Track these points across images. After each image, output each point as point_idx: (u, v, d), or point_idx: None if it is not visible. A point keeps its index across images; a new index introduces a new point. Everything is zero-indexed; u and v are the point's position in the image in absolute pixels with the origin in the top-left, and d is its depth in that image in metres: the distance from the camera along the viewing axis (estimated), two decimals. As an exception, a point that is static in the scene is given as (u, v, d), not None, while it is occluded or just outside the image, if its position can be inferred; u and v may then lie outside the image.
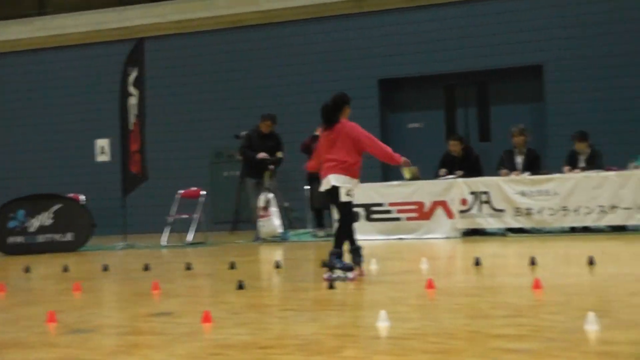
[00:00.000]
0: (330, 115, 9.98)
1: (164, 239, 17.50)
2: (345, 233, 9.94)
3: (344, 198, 9.84)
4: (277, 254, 14.49)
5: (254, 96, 21.43)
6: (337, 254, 9.80)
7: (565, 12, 19.41)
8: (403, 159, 10.09)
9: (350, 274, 9.67)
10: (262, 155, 17.03)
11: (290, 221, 18.21)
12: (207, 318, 6.82)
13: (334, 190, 9.85)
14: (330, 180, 9.84)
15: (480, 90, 20.73)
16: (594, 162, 15.46)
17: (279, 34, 21.68)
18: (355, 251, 10.13)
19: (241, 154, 17.73)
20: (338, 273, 9.67)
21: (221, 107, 21.86)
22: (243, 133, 18.25)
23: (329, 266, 9.81)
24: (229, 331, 6.47)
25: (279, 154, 17.36)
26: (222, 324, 6.81)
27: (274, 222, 16.65)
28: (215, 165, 22.00)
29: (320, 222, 17.52)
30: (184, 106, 22.18)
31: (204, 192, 18.26)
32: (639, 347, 5.20)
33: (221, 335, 6.31)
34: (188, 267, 11.77)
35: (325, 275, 9.71)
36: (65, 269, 12.49)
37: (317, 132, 17.19)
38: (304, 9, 21.51)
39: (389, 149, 10.06)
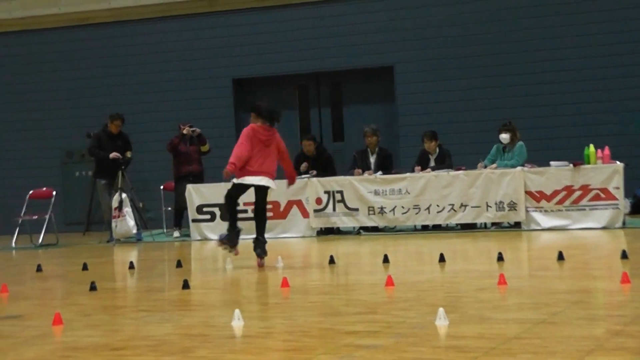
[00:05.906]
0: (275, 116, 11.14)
1: (14, 240, 17.04)
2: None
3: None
4: (131, 254, 14.33)
5: (105, 94, 21.05)
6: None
7: (415, 14, 19.74)
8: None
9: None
10: (114, 155, 16.79)
11: (145, 221, 18.00)
12: (57, 320, 6.69)
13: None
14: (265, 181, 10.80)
15: (334, 90, 20.92)
16: (444, 161, 15.81)
17: (130, 33, 21.34)
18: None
19: (91, 154, 17.46)
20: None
21: (72, 106, 21.37)
22: (93, 133, 17.96)
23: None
24: (79, 333, 6.36)
25: (128, 154, 17.16)
26: (73, 326, 6.69)
27: (127, 222, 16.43)
28: (67, 165, 21.54)
29: (178, 221, 17.37)
30: (33, 104, 21.59)
31: (55, 193, 17.85)
32: (485, 341, 5.34)
33: (71, 337, 6.20)
34: (39, 269, 11.51)
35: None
36: None
37: (184, 131, 17.21)
38: (156, 7, 21.22)
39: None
